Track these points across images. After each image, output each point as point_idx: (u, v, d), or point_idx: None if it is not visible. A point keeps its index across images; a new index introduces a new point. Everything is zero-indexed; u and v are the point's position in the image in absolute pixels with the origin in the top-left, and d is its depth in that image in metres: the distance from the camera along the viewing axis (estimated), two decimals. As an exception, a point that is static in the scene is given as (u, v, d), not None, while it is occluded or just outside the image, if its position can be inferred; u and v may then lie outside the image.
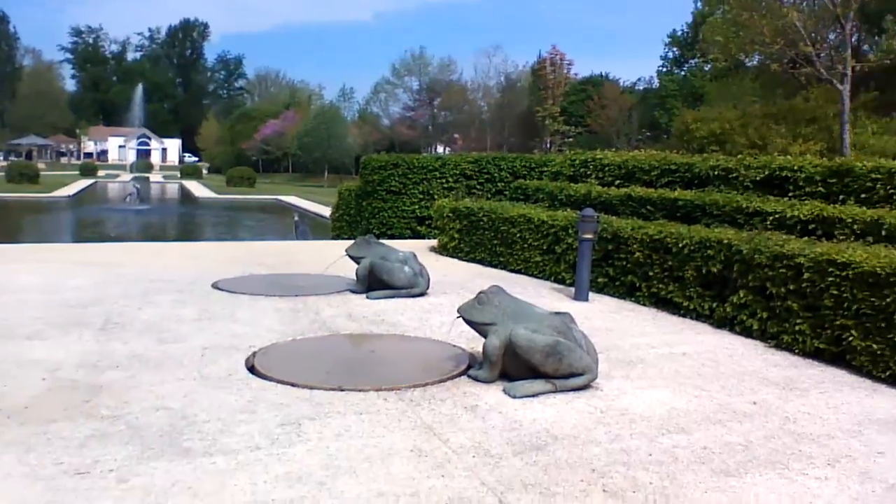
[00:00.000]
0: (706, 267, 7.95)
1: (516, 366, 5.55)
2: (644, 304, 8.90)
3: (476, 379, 5.72)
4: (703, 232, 8.28)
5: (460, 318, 5.92)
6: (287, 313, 7.92)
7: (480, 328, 5.81)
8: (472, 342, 6.60)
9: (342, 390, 5.39)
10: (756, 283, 7.30)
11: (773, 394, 5.61)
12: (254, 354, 6.27)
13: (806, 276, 6.68)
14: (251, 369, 5.89)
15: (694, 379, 5.94)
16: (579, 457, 4.33)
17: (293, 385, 5.48)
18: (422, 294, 9.12)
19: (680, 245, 8.32)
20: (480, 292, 5.89)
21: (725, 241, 7.77)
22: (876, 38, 30.03)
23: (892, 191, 8.34)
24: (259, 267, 11.19)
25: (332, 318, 7.79)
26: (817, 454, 4.45)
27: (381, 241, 10.12)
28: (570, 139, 63.19)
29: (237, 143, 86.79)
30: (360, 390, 5.40)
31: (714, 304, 7.89)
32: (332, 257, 10.30)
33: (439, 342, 6.85)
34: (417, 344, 6.83)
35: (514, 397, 5.34)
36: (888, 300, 5.88)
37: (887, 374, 5.88)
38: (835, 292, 6.38)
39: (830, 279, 6.42)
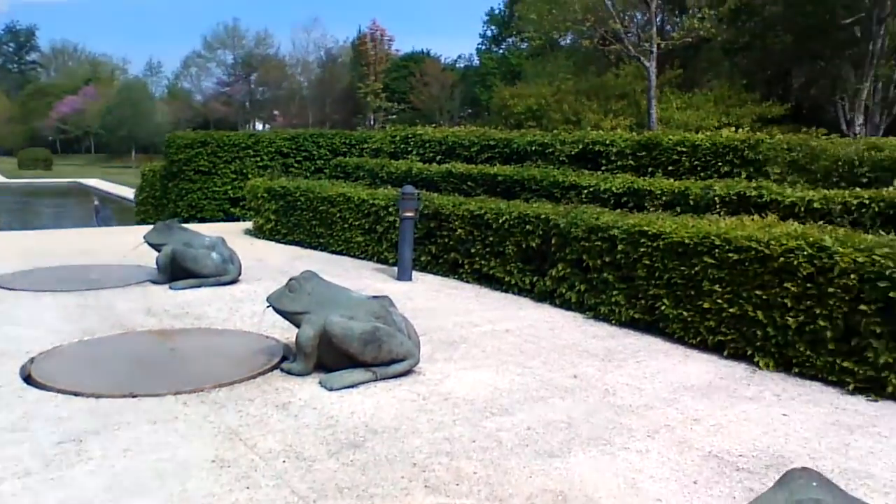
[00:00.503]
0: (526, 242, 7.99)
1: (333, 356, 5.19)
2: (467, 281, 8.84)
3: (290, 372, 5.31)
4: (521, 207, 8.31)
5: (271, 308, 5.46)
6: (75, 310, 7.06)
7: (292, 318, 5.39)
8: (288, 332, 6.16)
9: (134, 397, 4.79)
10: (573, 257, 7.41)
11: (593, 366, 5.65)
12: (31, 361, 5.48)
13: (620, 247, 6.84)
14: (27, 379, 5.13)
15: (516, 356, 5.88)
16: (400, 451, 4.06)
17: (77, 394, 4.81)
18: (233, 282, 8.50)
19: (500, 220, 8.30)
20: (291, 279, 5.46)
21: (543, 216, 7.83)
22: (678, 17, 32.30)
23: (696, 163, 8.80)
24: (48, 258, 10.00)
25: (127, 313, 7.02)
26: (637, 426, 4.47)
27: (187, 225, 9.34)
28: (394, 116, 63.19)
29: (30, 122, 79.01)
30: (155, 395, 4.82)
31: (535, 279, 7.95)
32: (133, 245, 9.37)
33: (250, 334, 6.35)
34: (226, 338, 6.28)
35: (332, 390, 4.99)
36: (696, 269, 6.11)
37: (698, 339, 6.13)
38: (647, 263, 6.57)
39: (643, 250, 6.60)
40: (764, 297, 5.62)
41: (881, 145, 7.15)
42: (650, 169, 9.27)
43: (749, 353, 5.75)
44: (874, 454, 4.10)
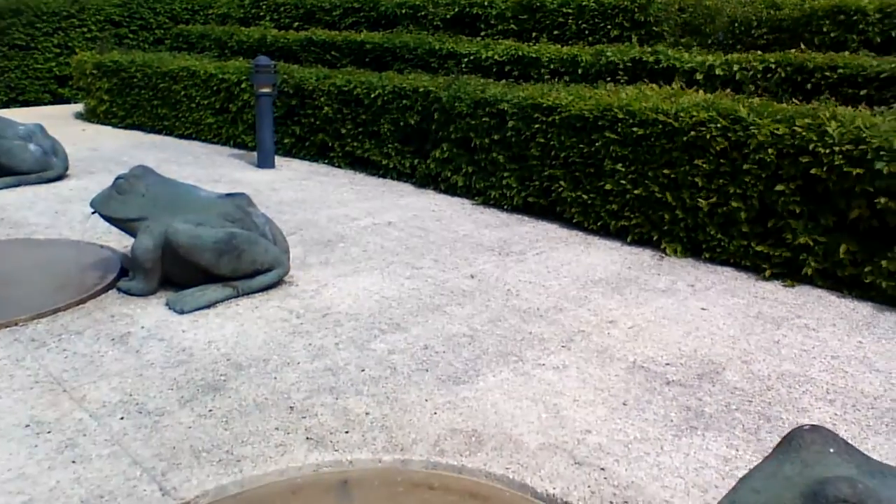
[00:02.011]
0: (404, 119, 7.11)
1: (182, 271, 4.28)
2: (339, 167, 7.92)
3: (128, 293, 4.36)
4: (396, 79, 7.36)
5: (98, 215, 4.41)
6: None
7: (125, 226, 4.37)
8: (127, 240, 5.14)
9: (-83, 340, 3.73)
10: (458, 135, 6.63)
11: (490, 262, 5.02)
12: None
13: (511, 123, 6.11)
14: None
15: (403, 254, 5.15)
16: (272, 391, 3.30)
17: None
18: (59, 178, 7.19)
19: (373, 96, 7.34)
20: (119, 177, 4.39)
21: (422, 89, 6.94)
22: None
23: (583, 26, 8.07)
24: None
25: (-83, 224, 5.70)
26: (549, 334, 3.90)
27: (6, 111, 7.77)
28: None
29: None
30: (-53, 336, 3.78)
31: (416, 161, 7.14)
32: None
33: (79, 245, 5.26)
34: (48, 250, 5.16)
35: (182, 312, 4.11)
36: (597, 146, 5.50)
37: (599, 224, 5.61)
38: (541, 140, 5.90)
39: (537, 126, 5.91)
40: (672, 176, 5.11)
41: (780, 3, 6.67)
42: (534, 34, 8.47)
43: (655, 238, 5.29)
44: (808, 352, 3.74)
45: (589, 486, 2.64)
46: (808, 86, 5.63)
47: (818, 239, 4.49)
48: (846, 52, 5.73)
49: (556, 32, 8.28)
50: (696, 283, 4.68)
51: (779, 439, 2.89)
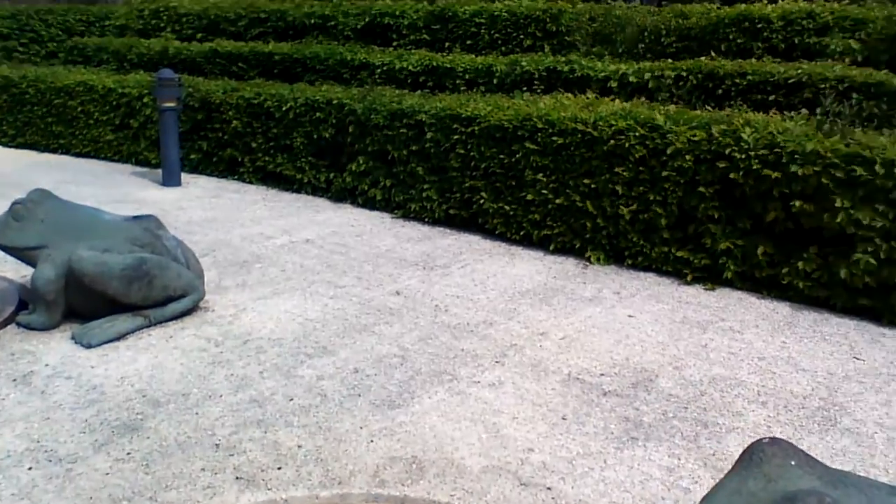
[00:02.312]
0: (317, 132, 6.95)
1: (88, 301, 4.00)
2: (250, 182, 7.67)
3: (29, 327, 4.05)
4: (308, 91, 7.19)
5: (-10, 243, 4.08)
6: None
7: (24, 254, 4.06)
8: (25, 269, 4.80)
9: None
10: (375, 148, 6.52)
11: (415, 277, 4.93)
12: None
13: (429, 135, 6.04)
14: None
15: (324, 273, 4.99)
16: (196, 427, 3.10)
17: None
18: (-58, 202, 6.65)
19: (284, 108, 7.15)
20: (15, 202, 4.08)
21: (336, 101, 6.80)
22: None
23: (496, 36, 8.09)
24: None
25: None
26: (482, 350, 3.83)
27: None
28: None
29: None
30: None
31: (331, 175, 6.98)
32: None
33: (-32, 276, 4.86)
34: (-68, 283, 4.74)
35: (90, 346, 3.84)
36: (517, 156, 5.49)
37: (521, 234, 5.60)
38: (461, 151, 5.85)
39: (456, 137, 5.86)
40: (593, 185, 5.15)
41: (688, 13, 6.85)
42: (447, 44, 8.44)
43: (578, 246, 5.31)
44: (735, 355, 3.80)
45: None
46: (720, 92, 5.79)
47: (737, 242, 4.60)
48: (753, 59, 5.93)
49: (469, 42, 8.28)
50: (621, 290, 4.72)
51: (717, 445, 2.91)
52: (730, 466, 2.76)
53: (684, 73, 5.99)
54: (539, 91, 6.71)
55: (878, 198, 4.05)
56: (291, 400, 3.34)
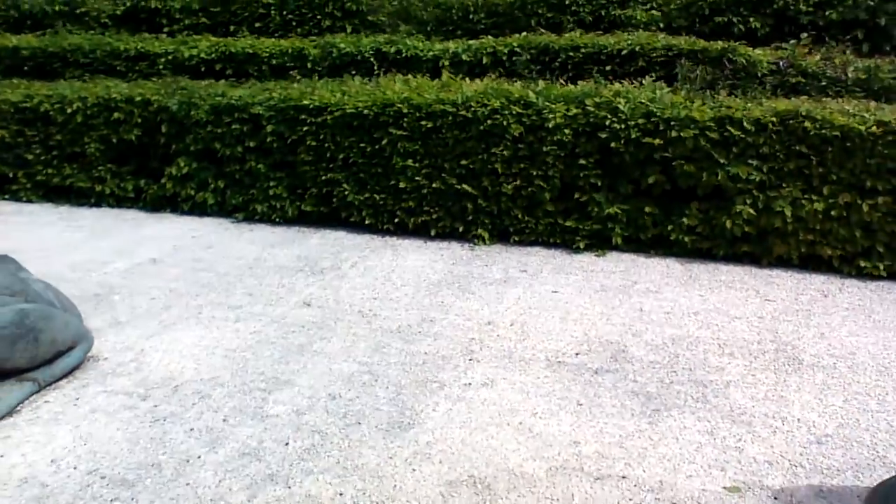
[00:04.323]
0: (117, 136, 6.09)
1: (-41, 376, 3.16)
2: (30, 200, 6.54)
3: None
4: (97, 89, 6.26)
5: None
6: None
7: None
8: None
9: None
10: (199, 147, 5.89)
11: (311, 284, 4.58)
12: None
13: (269, 128, 5.59)
14: None
15: (205, 294, 4.45)
16: (202, 502, 2.61)
17: None
18: None
19: (69, 111, 6.15)
20: None
21: (139, 98, 6.01)
22: None
23: (289, 17, 7.66)
24: None
25: None
26: (446, 351, 3.68)
27: None
28: None
29: None
30: None
31: (141, 183, 6.18)
32: None
33: None
34: None
35: (-19, 432, 3.04)
36: (382, 143, 5.28)
37: (395, 223, 5.42)
38: (313, 143, 5.50)
39: (305, 128, 5.48)
40: (471, 165, 5.13)
41: (493, -11, 7.05)
42: (231, 27, 7.82)
43: (461, 229, 5.28)
44: (671, 314, 4.06)
45: (631, 500, 2.55)
46: (556, 65, 6.05)
47: (622, 207, 4.89)
48: (590, 34, 6.27)
49: (257, 25, 7.74)
50: (525, 267, 4.79)
51: (727, 401, 3.09)
52: (750, 419, 2.98)
53: (518, 49, 6.18)
54: (361, 74, 6.49)
55: (750, 153, 4.55)
56: (287, 444, 2.94)
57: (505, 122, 4.95)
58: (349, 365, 3.56)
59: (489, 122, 4.97)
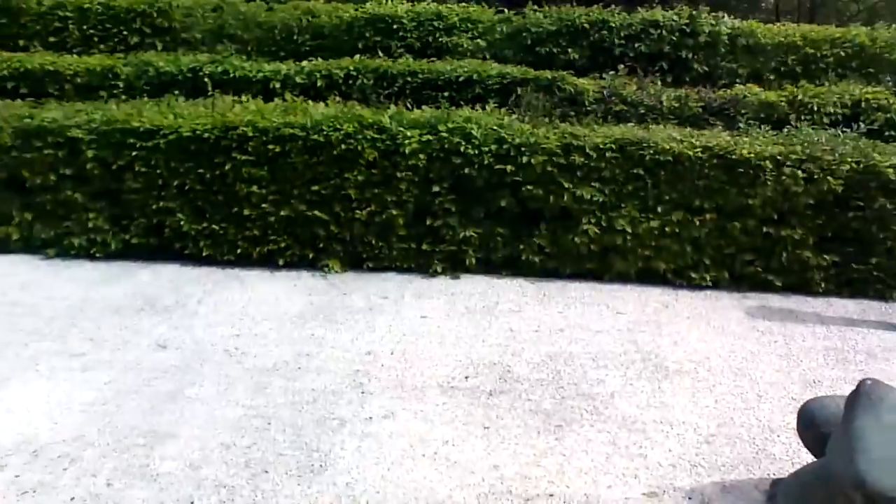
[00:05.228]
0: None
1: None
2: None
3: None
4: None
5: None
6: None
7: None
8: None
9: None
10: (3, 175, 5.27)
11: (158, 324, 4.26)
12: None
13: (90, 153, 5.13)
14: None
15: (38, 342, 4.02)
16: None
17: None
18: None
19: None
20: None
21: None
22: None
23: (90, 32, 7.05)
24: None
25: None
26: (334, 386, 3.59)
27: None
28: None
29: None
30: None
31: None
32: None
33: None
34: None
35: None
36: (224, 169, 5.04)
37: (237, 254, 5.18)
38: (143, 169, 5.12)
39: (134, 153, 5.09)
40: (322, 191, 5.04)
41: (317, 10, 6.95)
42: (21, 41, 7.04)
43: (311, 257, 5.16)
44: (539, 331, 4.26)
45: (565, 518, 2.66)
46: (394, 90, 6.10)
47: (475, 231, 5.04)
48: (424, 60, 6.37)
49: (52, 39, 7.05)
50: (386, 294, 4.79)
51: (617, 411, 3.33)
52: (643, 426, 3.22)
53: (354, 73, 6.16)
54: (182, 94, 6.13)
55: (593, 177, 4.90)
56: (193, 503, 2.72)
57: (359, 147, 4.93)
58: (233, 409, 3.35)
59: (343, 146, 4.92)
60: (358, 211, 5.05)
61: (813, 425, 2.59)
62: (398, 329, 4.25)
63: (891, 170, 4.62)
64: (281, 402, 3.42)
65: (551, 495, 2.78)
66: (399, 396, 3.49)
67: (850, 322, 4.49)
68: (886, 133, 5.55)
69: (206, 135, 5.00)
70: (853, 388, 3.54)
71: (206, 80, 6.06)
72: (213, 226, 5.14)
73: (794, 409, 3.43)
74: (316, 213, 5.06)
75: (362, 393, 3.53)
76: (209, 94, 5.88)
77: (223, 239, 5.18)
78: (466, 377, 3.70)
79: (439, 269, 5.11)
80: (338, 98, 5.80)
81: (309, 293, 4.77)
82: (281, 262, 5.18)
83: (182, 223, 5.15)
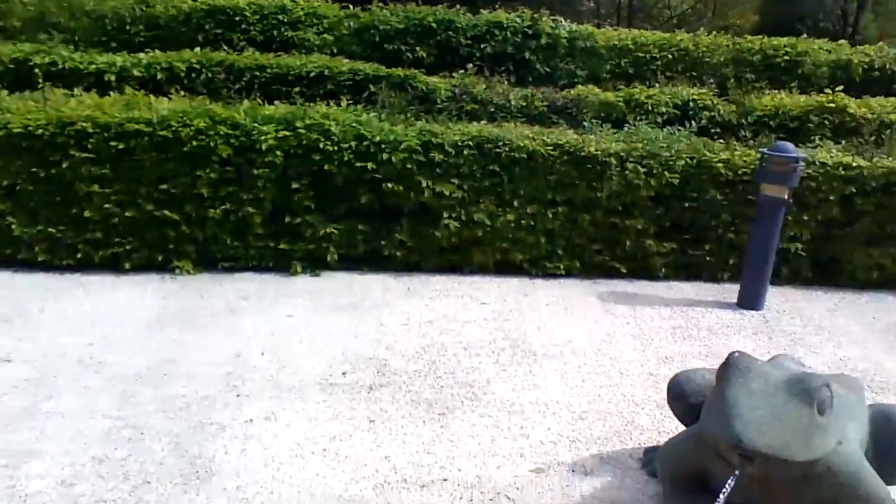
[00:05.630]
0: None
1: None
2: None
3: None
4: None
5: None
6: None
7: None
8: None
9: None
10: None
11: (7, 336, 3.93)
12: None
13: None
14: None
15: None
16: None
17: None
18: None
19: None
20: None
21: None
22: None
23: None
24: None
25: None
26: (207, 391, 3.50)
27: None
28: None
29: None
30: None
31: None
32: None
33: None
34: None
35: None
36: (61, 168, 4.73)
37: (77, 258, 4.88)
38: (-37, 168, 4.69)
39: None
40: (172, 190, 4.86)
41: (150, 1, 6.61)
42: None
43: (161, 259, 4.96)
44: (407, 324, 4.34)
45: (461, 498, 2.76)
46: (242, 84, 5.95)
47: (336, 227, 5.05)
48: (271, 54, 6.22)
49: None
50: (247, 295, 4.70)
51: (494, 396, 3.50)
52: (521, 408, 3.40)
53: (197, 66, 5.95)
54: (5, 87, 5.68)
55: (452, 173, 5.05)
56: (69, 521, 2.57)
57: (212, 144, 4.78)
58: (100, 421, 3.18)
59: (194, 142, 4.76)
60: (211, 210, 4.91)
61: (682, 396, 2.86)
62: (265, 329, 4.19)
63: (720, 164, 5.13)
64: (152, 411, 3.28)
65: (445, 480, 2.87)
66: (277, 397, 3.46)
67: (691, 303, 4.95)
68: (712, 130, 6.14)
69: (39, 131, 4.66)
70: (701, 361, 3.94)
71: (35, 71, 5.61)
72: (50, 229, 4.81)
73: (654, 383, 3.77)
74: (165, 212, 4.87)
75: (238, 396, 3.46)
76: (38, 86, 5.46)
77: (61, 243, 4.85)
78: (344, 373, 3.72)
79: (299, 268, 5.07)
80: (183, 93, 5.57)
81: (163, 297, 4.58)
82: (128, 266, 4.93)
83: (13, 227, 4.77)
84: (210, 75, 5.95)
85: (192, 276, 4.95)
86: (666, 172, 5.13)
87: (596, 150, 5.09)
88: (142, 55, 5.99)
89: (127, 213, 4.83)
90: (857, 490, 2.33)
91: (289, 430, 3.18)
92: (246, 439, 3.10)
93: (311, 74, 6.02)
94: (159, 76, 5.91)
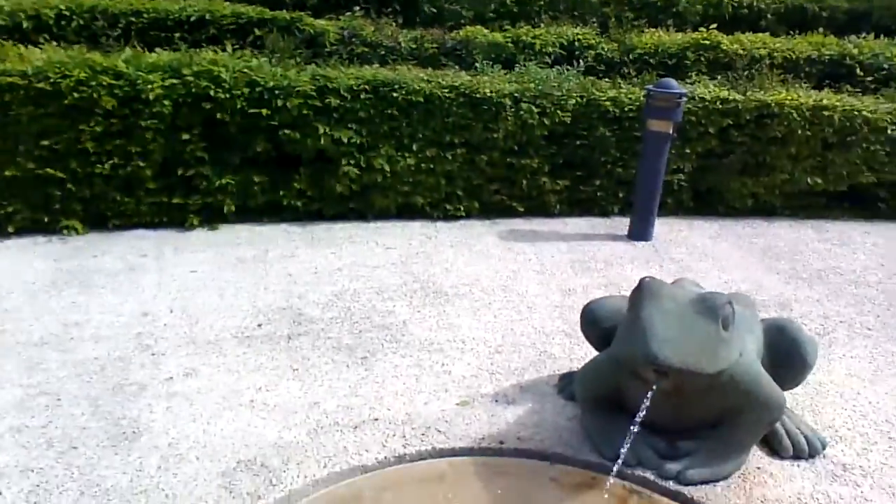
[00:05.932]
0: None
1: None
2: None
3: None
4: None
5: None
6: None
7: None
8: None
9: None
10: None
11: None
12: None
13: None
14: None
15: None
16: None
17: None
18: None
19: None
20: None
21: None
22: None
23: None
24: None
25: None
26: (125, 353, 3.45)
27: None
28: None
29: None
30: None
31: None
32: None
33: None
34: None
35: None
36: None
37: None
38: None
39: None
40: (54, 146, 4.63)
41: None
42: None
43: (46, 220, 4.75)
44: (319, 273, 4.39)
45: (394, 435, 2.89)
46: (118, 32, 5.64)
47: (232, 179, 4.97)
48: None
49: None
50: (144, 252, 4.59)
51: (412, 336, 3.63)
52: (440, 347, 3.55)
53: (67, 13, 5.59)
54: None
55: (349, 119, 5.05)
56: (8, 489, 2.53)
57: (95, 95, 4.57)
58: (10, 391, 3.09)
59: (75, 94, 4.53)
60: (98, 165, 4.72)
61: (595, 322, 3.07)
62: (169, 286, 4.13)
63: (608, 103, 5.37)
64: (64, 376, 3.21)
65: (376, 419, 2.99)
66: (195, 353, 3.45)
67: (586, 237, 5.22)
68: (597, 69, 6.38)
69: None
70: (601, 291, 4.20)
71: None
72: None
73: (560, 314, 4.00)
74: (48, 170, 4.64)
75: (153, 355, 3.42)
76: None
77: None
78: (259, 325, 3.74)
79: (196, 222, 4.98)
80: (54, 42, 5.25)
81: (54, 259, 4.41)
82: (11, 230, 4.70)
83: None
84: (82, 22, 5.62)
85: (82, 236, 4.77)
86: (558, 111, 5.32)
87: (490, 92, 5.21)
88: (3, 2, 5.58)
89: (7, 173, 4.57)
90: (757, 396, 2.62)
91: (212, 384, 3.20)
92: (169, 397, 3.09)
93: (192, 19, 5.80)
94: (25, 24, 5.54)
